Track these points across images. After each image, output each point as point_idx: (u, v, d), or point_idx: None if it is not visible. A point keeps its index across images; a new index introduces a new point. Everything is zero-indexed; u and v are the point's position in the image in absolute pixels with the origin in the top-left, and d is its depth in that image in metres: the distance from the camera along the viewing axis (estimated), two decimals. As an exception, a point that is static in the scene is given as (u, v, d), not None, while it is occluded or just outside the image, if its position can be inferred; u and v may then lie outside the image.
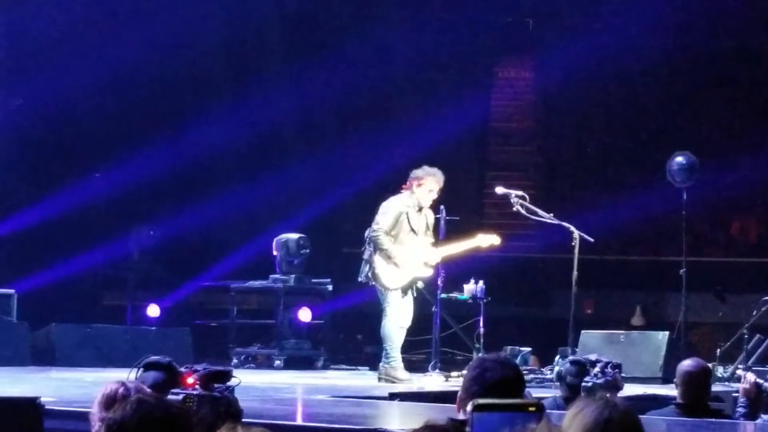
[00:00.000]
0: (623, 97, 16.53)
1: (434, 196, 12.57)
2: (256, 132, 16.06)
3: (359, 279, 12.73)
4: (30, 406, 7.68)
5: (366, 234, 12.54)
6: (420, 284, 12.62)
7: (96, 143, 16.61)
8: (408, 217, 12.44)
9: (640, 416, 5.00)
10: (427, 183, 12.50)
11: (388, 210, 12.48)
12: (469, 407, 4.19)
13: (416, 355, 13.15)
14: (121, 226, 16.00)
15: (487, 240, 12.95)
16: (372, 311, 13.26)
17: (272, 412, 8.47)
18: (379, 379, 12.38)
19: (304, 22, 17.33)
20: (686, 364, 9.36)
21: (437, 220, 12.73)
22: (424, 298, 12.75)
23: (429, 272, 12.59)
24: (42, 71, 16.23)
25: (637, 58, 16.22)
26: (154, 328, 15.52)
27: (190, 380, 7.05)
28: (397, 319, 12.43)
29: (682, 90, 16.51)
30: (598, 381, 9.04)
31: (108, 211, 16.41)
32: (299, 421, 8.66)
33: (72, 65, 15.92)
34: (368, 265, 12.46)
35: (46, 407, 7.61)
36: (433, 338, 12.91)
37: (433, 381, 12.32)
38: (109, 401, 5.00)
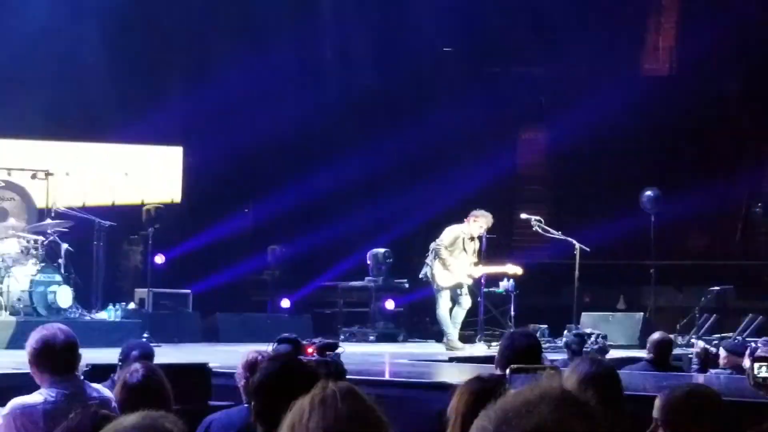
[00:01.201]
0: (608, 151, 16.50)
1: (483, 231, 12.73)
2: (359, 177, 16.12)
3: (420, 276, 12.96)
4: (201, 369, 7.84)
5: (431, 246, 12.63)
6: (469, 282, 12.64)
7: (243, 187, 16.79)
8: (463, 241, 12.52)
9: (621, 371, 4.95)
10: (480, 221, 12.65)
11: (451, 232, 12.62)
12: (508, 370, 4.22)
13: (468, 331, 13.07)
14: (262, 246, 16.13)
15: (513, 269, 13.04)
16: (434, 303, 13.27)
17: (368, 371, 8.50)
18: (445, 347, 12.45)
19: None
20: (655, 335, 9.35)
21: (480, 241, 12.78)
22: (472, 292, 12.76)
23: (470, 281, 12.73)
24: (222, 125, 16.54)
25: (614, 127, 16.17)
26: (286, 315, 15.62)
27: (310, 350, 7.09)
28: (446, 307, 12.60)
29: (651, 144, 16.50)
30: (594, 347, 9.06)
31: (254, 235, 16.56)
32: (387, 377, 8.64)
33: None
34: (429, 268, 12.56)
35: (213, 370, 7.72)
36: (479, 319, 12.93)
37: (479, 349, 12.34)
38: (250, 364, 5.03)
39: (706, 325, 13.30)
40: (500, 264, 13.19)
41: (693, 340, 11.57)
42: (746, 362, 8.13)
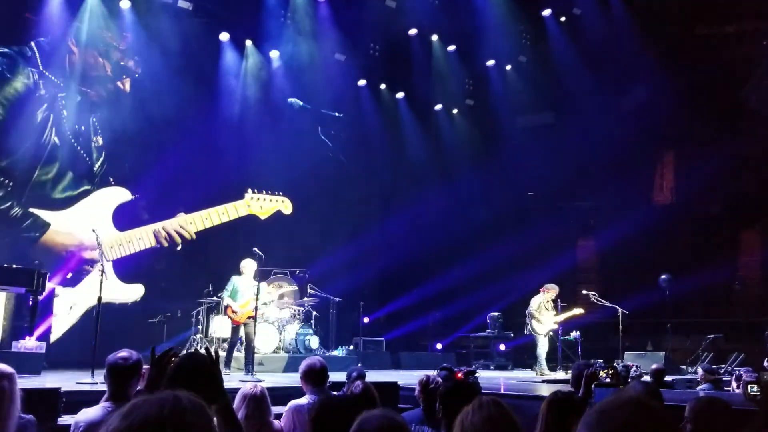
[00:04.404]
0: (634, 251, 15.54)
1: (553, 296, 12.09)
2: (481, 270, 15.72)
3: (525, 332, 12.28)
4: (393, 385, 7.68)
5: (527, 311, 12.17)
6: (554, 328, 12.09)
7: (412, 277, 16.19)
8: (544, 304, 12.01)
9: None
10: (550, 290, 12.05)
11: (535, 300, 12.11)
12: (593, 386, 3.94)
13: (550, 364, 12.44)
14: (425, 311, 15.99)
15: (577, 311, 12.20)
16: (527, 345, 12.71)
17: (492, 388, 8.14)
18: (536, 373, 11.81)
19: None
20: (653, 365, 8.51)
21: (556, 303, 12.21)
22: (551, 339, 12.19)
23: (555, 327, 12.05)
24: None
25: (639, 234, 15.28)
26: (439, 353, 15.37)
27: (459, 375, 6.89)
28: (544, 348, 11.91)
29: (663, 247, 15.47)
30: (635, 374, 8.41)
31: (420, 305, 16.09)
32: (502, 391, 8.28)
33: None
34: (528, 325, 12.05)
35: (400, 386, 7.56)
36: (558, 356, 12.32)
37: (559, 375, 11.66)
38: (423, 382, 4.77)
39: (706, 360, 12.39)
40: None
41: (698, 369, 10.72)
42: (734, 384, 7.48)
